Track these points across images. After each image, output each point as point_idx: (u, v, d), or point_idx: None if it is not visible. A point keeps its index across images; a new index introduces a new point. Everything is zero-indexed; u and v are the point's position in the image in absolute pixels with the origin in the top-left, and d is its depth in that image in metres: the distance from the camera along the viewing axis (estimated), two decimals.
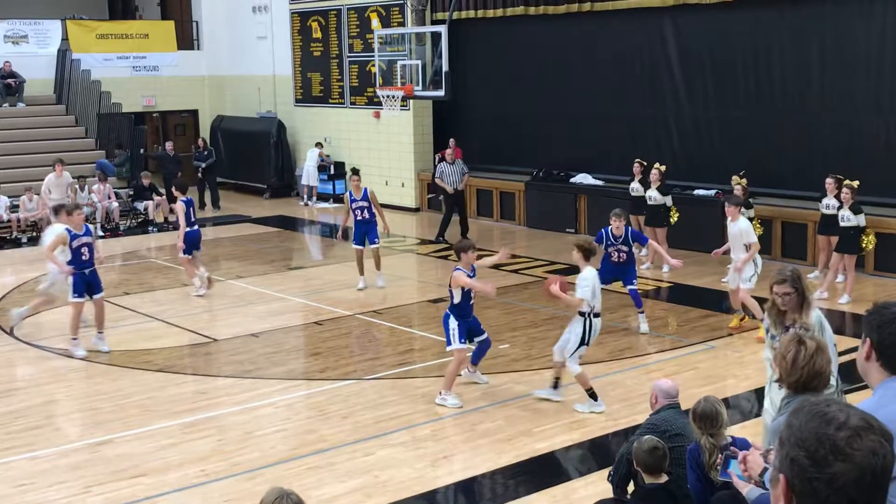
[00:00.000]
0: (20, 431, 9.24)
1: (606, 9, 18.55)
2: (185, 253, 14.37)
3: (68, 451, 8.72)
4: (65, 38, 24.81)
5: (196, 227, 14.52)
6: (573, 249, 9.46)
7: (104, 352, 11.63)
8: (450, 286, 9.74)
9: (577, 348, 9.27)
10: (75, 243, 11.44)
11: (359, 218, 14.47)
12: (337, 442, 8.76)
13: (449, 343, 9.70)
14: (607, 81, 19.10)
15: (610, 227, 12.10)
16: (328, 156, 23.80)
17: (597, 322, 9.37)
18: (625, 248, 12.12)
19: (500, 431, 8.96)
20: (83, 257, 11.50)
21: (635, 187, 16.16)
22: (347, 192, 15.03)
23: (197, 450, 8.68)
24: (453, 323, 9.64)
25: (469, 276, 9.58)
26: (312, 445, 8.72)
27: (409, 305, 13.92)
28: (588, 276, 9.28)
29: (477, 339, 10.02)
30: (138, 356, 11.59)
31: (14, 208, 19.62)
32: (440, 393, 9.67)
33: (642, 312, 12.12)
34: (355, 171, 15.08)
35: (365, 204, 14.45)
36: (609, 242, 12.04)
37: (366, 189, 14.61)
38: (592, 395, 9.35)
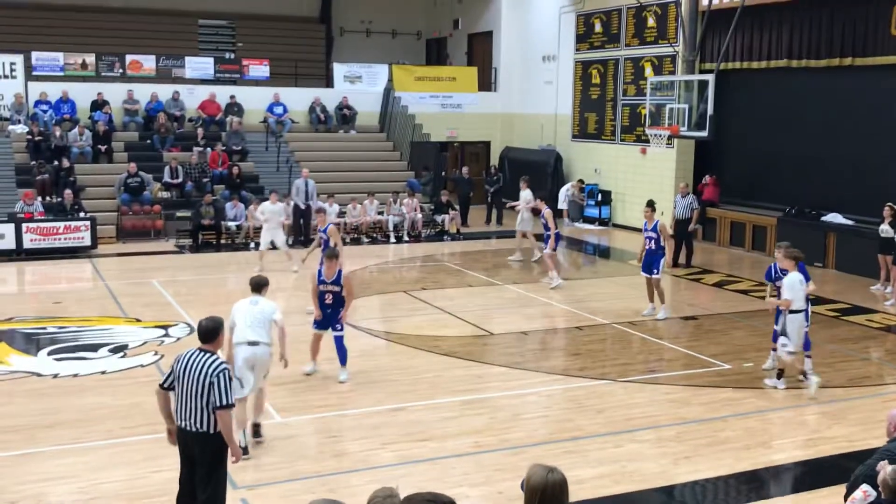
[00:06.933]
0: (334, 393, 9.91)
1: (866, 64, 17.32)
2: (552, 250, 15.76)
3: (371, 413, 9.21)
4: (390, 80, 26.36)
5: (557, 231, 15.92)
6: (786, 260, 9.94)
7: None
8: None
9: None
10: None
11: (648, 247, 13.52)
12: (591, 432, 8.73)
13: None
14: (862, 129, 17.75)
15: (777, 263, 10.40)
16: (583, 192, 23.71)
17: (809, 307, 10.01)
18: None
19: (739, 440, 8.57)
20: None
21: (885, 229, 14.96)
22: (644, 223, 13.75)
23: (473, 424, 8.93)
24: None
25: (320, 280, 9.97)
26: (569, 433, 8.73)
27: (661, 321, 13.56)
28: (796, 280, 9.73)
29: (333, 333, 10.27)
30: (429, 341, 12.10)
31: (342, 214, 21.12)
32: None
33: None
34: (649, 204, 13.85)
35: (653, 235, 13.45)
36: (776, 276, 10.40)
37: (657, 221, 13.61)
38: (805, 375, 9.71)
